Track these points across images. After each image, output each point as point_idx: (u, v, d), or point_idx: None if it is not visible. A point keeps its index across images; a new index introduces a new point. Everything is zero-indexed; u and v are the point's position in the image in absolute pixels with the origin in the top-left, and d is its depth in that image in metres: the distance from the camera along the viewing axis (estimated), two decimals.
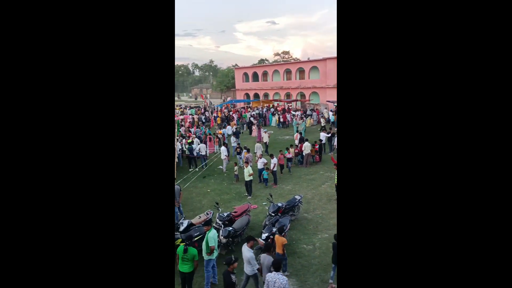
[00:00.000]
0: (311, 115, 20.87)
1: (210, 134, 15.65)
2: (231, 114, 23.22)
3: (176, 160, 10.93)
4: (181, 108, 30.41)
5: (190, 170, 12.37)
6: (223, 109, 26.43)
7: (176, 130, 12.65)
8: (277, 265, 4.05)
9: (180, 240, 6.06)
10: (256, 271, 4.73)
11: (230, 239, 6.34)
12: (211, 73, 75.00)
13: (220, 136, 15.94)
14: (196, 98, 51.64)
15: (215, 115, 23.05)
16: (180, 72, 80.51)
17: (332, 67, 23.65)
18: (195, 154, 12.66)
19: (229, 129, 17.14)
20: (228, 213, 7.11)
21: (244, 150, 11.97)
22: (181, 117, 22.16)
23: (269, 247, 4.90)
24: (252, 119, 20.54)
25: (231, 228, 6.41)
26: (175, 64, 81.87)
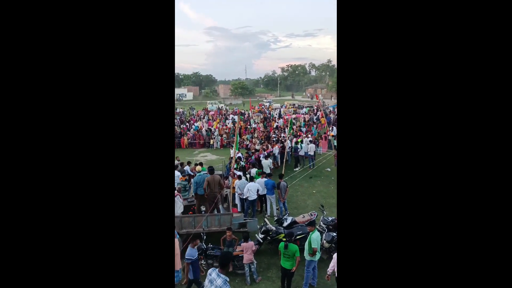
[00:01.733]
0: None
1: (324, 134, 15.47)
2: None
3: (286, 157, 11.28)
4: (294, 107, 31.13)
5: (295, 169, 12.56)
6: (335, 110, 25.60)
7: (288, 128, 13.03)
8: None
9: (282, 235, 6.24)
10: None
11: (333, 245, 6.11)
12: (327, 73, 73.71)
13: (330, 137, 15.56)
14: (312, 98, 51.81)
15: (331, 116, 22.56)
16: (296, 72, 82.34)
17: None
18: (302, 153, 12.75)
19: (334, 130, 16.76)
20: (333, 218, 6.87)
21: None
22: (294, 115, 22.63)
23: None
24: None
25: (335, 234, 6.18)
26: (292, 64, 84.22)
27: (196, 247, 5.06)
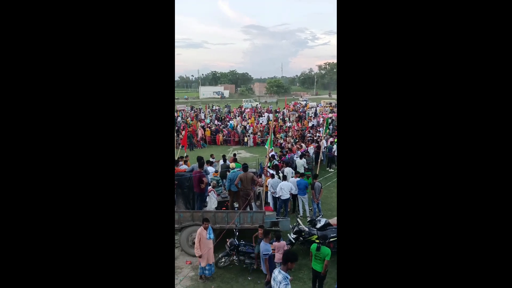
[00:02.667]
0: None
1: None
2: None
3: (321, 157, 11.05)
4: (331, 106, 30.35)
5: (328, 169, 12.25)
6: None
7: (325, 127, 12.75)
8: None
9: (315, 236, 6.13)
10: None
11: None
12: None
13: None
14: None
15: None
16: (334, 70, 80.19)
17: None
18: (336, 154, 12.41)
19: None
20: None
21: None
22: (330, 115, 22.08)
23: None
24: None
25: None
26: (330, 62, 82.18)
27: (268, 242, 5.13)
